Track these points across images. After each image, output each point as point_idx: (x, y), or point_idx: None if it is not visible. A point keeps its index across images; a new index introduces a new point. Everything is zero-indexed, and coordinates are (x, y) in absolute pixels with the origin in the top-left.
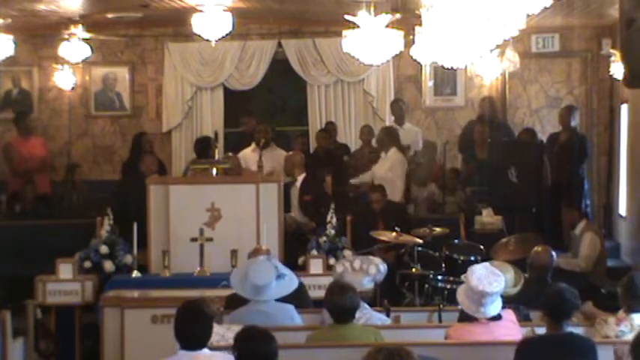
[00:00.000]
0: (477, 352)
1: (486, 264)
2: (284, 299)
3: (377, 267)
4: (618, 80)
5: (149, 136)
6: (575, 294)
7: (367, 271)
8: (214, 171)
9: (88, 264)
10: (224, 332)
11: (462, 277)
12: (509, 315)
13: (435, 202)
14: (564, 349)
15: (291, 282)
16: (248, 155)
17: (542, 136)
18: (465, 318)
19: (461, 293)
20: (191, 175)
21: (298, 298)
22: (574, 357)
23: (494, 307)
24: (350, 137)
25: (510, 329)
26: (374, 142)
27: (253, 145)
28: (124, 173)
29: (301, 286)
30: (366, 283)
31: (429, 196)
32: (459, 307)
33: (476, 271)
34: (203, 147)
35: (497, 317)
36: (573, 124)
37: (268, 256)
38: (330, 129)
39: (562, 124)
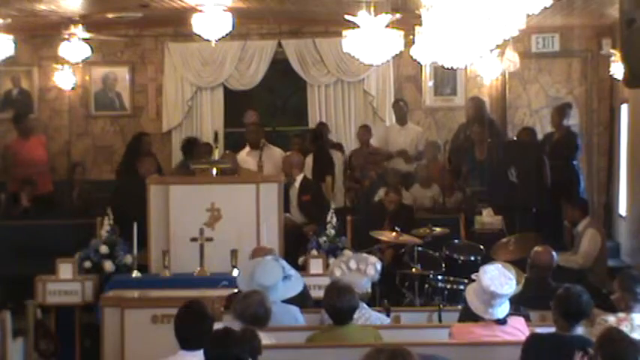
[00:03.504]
0: (477, 353)
1: (498, 265)
2: (288, 299)
3: (374, 266)
4: (618, 80)
5: (149, 136)
6: (590, 298)
7: (365, 272)
8: (214, 171)
9: (88, 264)
10: None
11: (474, 276)
12: (518, 322)
13: (435, 202)
14: (571, 350)
15: (297, 283)
16: (243, 158)
17: (541, 136)
18: (467, 318)
19: (470, 292)
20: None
21: (301, 298)
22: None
23: (502, 309)
24: (350, 137)
25: (514, 336)
26: (372, 141)
27: (247, 148)
28: (120, 173)
29: (303, 286)
30: (365, 284)
31: (432, 196)
32: (459, 307)
33: (488, 271)
34: (190, 147)
35: (503, 321)
36: (566, 122)
37: (275, 257)
38: (320, 129)
39: (553, 125)
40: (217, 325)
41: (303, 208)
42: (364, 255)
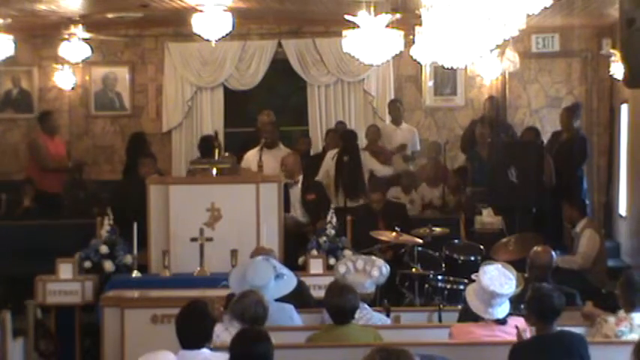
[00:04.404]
0: (477, 353)
1: (498, 265)
2: (285, 298)
3: (380, 269)
4: (618, 80)
5: (147, 136)
6: (560, 293)
7: (370, 273)
8: (214, 171)
9: (88, 264)
10: (220, 332)
11: (474, 276)
12: (518, 322)
13: (438, 201)
14: (555, 348)
15: (289, 281)
16: (252, 157)
17: (543, 137)
18: (466, 318)
19: (470, 292)
20: (191, 174)
21: (299, 298)
22: (565, 355)
23: (502, 309)
24: None
25: (514, 336)
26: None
27: (258, 147)
28: (125, 175)
29: (302, 285)
30: (369, 286)
31: (438, 196)
32: (459, 307)
33: (488, 271)
34: (207, 145)
35: (503, 321)
36: (576, 124)
37: (266, 256)
38: (339, 129)
39: (562, 126)
40: (218, 326)
41: (308, 208)
42: (373, 258)
